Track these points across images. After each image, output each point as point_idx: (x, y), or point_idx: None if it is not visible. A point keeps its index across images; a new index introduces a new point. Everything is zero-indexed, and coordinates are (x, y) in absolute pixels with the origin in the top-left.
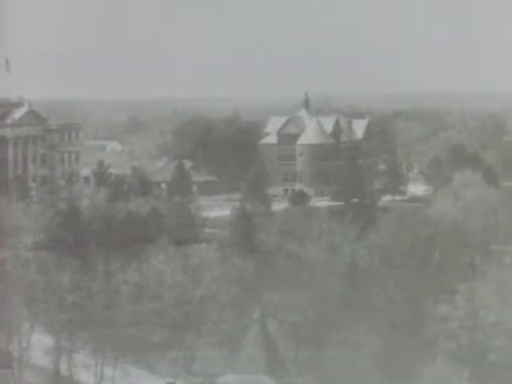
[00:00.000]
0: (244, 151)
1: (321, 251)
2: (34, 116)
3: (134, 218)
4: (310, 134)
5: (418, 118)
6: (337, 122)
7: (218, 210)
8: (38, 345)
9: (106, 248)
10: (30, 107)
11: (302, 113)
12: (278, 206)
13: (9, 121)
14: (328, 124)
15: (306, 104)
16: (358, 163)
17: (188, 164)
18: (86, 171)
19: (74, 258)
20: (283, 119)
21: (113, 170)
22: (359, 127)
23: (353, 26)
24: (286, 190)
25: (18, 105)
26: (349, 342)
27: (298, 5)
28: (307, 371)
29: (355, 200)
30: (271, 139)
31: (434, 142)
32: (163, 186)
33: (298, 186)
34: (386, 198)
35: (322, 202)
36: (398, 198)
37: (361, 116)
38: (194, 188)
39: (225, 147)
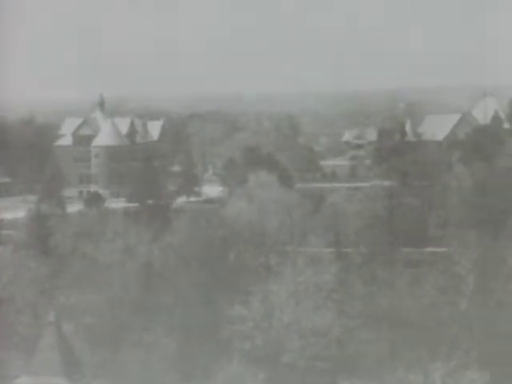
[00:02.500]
0: (39, 153)
1: (116, 253)
2: None
3: None
4: (105, 135)
5: (213, 120)
6: (132, 124)
7: (13, 211)
8: None
9: None
10: None
11: (97, 114)
12: (73, 208)
13: None
14: (123, 125)
15: (101, 105)
16: (152, 164)
17: None
18: None
19: None
20: (78, 121)
21: None
22: (154, 128)
23: (147, 26)
24: (81, 192)
25: None
26: (145, 343)
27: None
28: (103, 373)
29: (150, 201)
30: (66, 141)
31: (229, 143)
32: None
33: (93, 188)
34: (181, 199)
35: (117, 204)
36: (193, 199)
37: (156, 117)
38: None
39: (20, 148)
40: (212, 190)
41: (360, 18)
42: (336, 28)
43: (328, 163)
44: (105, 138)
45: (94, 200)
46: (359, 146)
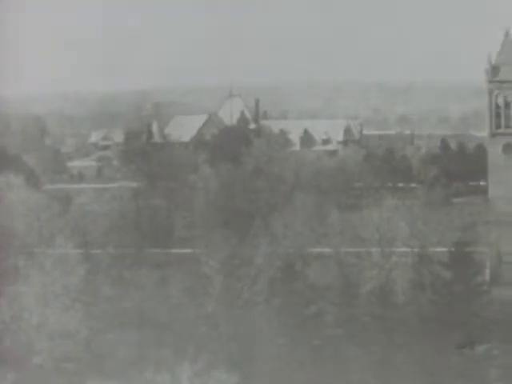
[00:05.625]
0: None
1: None
2: None
3: None
4: None
5: None
6: None
7: None
8: None
9: None
10: None
11: None
12: None
13: None
14: None
15: None
16: None
17: None
18: None
19: None
20: None
21: None
22: None
23: None
24: None
25: None
26: None
27: None
28: None
29: None
30: None
31: None
32: None
33: None
34: None
35: None
36: None
37: None
38: None
39: None
40: None
41: (115, 18)
42: (93, 28)
43: (75, 164)
44: None
45: None
46: (106, 147)
